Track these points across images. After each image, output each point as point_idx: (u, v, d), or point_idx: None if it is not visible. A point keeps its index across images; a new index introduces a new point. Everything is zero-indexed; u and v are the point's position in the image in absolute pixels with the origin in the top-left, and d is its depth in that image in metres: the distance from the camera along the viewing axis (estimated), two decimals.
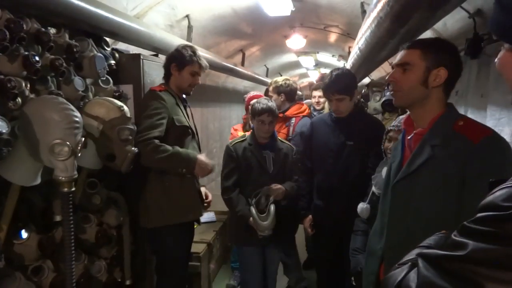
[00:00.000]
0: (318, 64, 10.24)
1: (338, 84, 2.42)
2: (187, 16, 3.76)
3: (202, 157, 2.30)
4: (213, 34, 4.67)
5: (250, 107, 2.75)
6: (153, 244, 2.41)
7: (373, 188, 2.09)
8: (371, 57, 2.71)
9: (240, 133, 3.66)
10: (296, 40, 6.19)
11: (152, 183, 2.30)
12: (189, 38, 3.87)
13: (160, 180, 2.29)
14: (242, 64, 6.57)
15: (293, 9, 4.03)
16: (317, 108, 3.95)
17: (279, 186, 2.49)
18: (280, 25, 5.31)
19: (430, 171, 1.28)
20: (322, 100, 3.91)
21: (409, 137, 1.42)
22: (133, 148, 1.92)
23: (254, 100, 2.65)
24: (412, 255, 0.78)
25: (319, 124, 2.68)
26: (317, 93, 3.93)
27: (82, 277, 1.85)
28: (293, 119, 3.24)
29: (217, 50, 5.25)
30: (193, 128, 2.46)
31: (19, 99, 1.66)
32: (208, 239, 3.56)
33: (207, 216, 3.99)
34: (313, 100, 4.00)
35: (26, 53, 1.67)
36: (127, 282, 2.24)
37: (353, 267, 2.06)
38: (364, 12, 3.44)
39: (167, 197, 2.28)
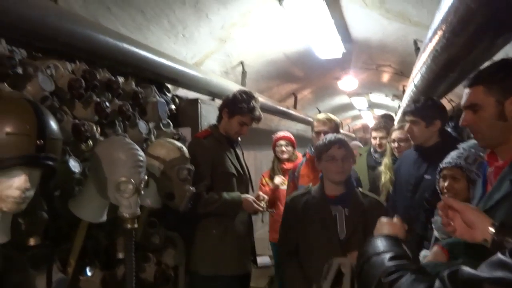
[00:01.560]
0: (371, 105, 10.11)
1: (416, 106, 2.33)
2: (241, 62, 3.93)
3: (247, 196, 2.37)
4: (265, 78, 4.83)
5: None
6: None
7: (435, 233, 1.93)
8: (429, 92, 2.63)
9: (268, 181, 3.71)
10: (348, 82, 6.20)
11: (210, 227, 2.33)
12: (243, 83, 4.03)
13: (217, 224, 2.33)
14: (295, 107, 6.65)
15: (344, 51, 4.08)
16: (379, 150, 3.46)
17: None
18: (331, 67, 5.37)
19: (508, 207, 1.17)
20: (384, 141, 3.46)
21: (489, 171, 1.33)
22: (191, 188, 1.97)
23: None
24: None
25: (406, 156, 2.56)
26: (378, 133, 3.55)
27: None
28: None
29: (269, 94, 5.38)
30: (242, 170, 2.47)
31: (90, 142, 1.80)
32: (262, 286, 3.47)
33: (262, 261, 3.92)
34: (374, 142, 3.58)
35: (98, 99, 1.83)
36: None
37: None
38: (417, 49, 3.40)
39: (225, 245, 2.30)
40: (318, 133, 2.78)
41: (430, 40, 1.96)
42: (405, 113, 2.41)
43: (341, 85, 6.33)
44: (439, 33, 1.77)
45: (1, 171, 1.07)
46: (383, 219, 1.19)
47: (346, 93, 7.94)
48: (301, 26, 3.29)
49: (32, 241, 1.38)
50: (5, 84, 1.40)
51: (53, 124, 1.17)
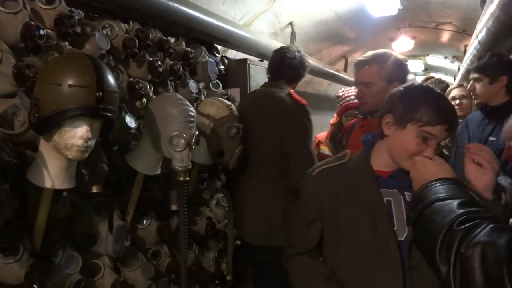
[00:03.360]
0: (428, 69, 9.53)
1: (479, 62, 2.19)
2: (290, 23, 3.84)
3: None
4: (315, 40, 4.69)
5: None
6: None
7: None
8: (496, 48, 2.43)
9: (325, 149, 3.09)
10: (403, 42, 5.86)
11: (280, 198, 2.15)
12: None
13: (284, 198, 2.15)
14: (345, 70, 6.45)
15: (401, 7, 3.84)
16: (460, 114, 2.69)
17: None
18: (385, 26, 5.10)
19: None
20: (464, 101, 2.86)
21: None
22: (239, 146, 2.01)
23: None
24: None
25: (471, 119, 2.39)
26: (458, 91, 2.89)
27: (193, 265, 1.97)
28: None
29: (319, 56, 5.24)
30: None
31: (144, 100, 1.88)
32: None
33: None
34: (453, 103, 2.82)
35: (151, 59, 1.88)
36: (228, 277, 2.33)
37: None
38: (484, 1, 3.11)
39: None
40: None
41: None
42: (468, 71, 2.25)
43: (395, 46, 6.00)
44: None
45: (65, 121, 1.15)
46: (425, 160, 1.06)
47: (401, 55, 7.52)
48: None
49: (95, 189, 1.49)
50: (66, 43, 1.47)
51: (111, 79, 1.23)
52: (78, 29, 1.52)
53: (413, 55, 7.73)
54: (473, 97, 2.35)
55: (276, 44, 3.25)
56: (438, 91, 1.20)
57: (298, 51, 2.30)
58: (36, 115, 1.15)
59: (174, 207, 1.89)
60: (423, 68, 9.26)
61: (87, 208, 1.49)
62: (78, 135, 1.17)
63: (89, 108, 1.15)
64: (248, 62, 2.72)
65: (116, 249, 1.53)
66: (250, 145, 2.14)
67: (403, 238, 1.16)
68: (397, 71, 1.74)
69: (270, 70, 2.32)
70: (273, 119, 2.12)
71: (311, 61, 4.16)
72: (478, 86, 2.18)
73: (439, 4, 4.10)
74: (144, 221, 1.80)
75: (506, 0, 1.74)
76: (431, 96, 1.15)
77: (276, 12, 3.50)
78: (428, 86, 1.21)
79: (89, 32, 1.57)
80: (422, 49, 6.99)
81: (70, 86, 1.13)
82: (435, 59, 8.20)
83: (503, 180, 1.79)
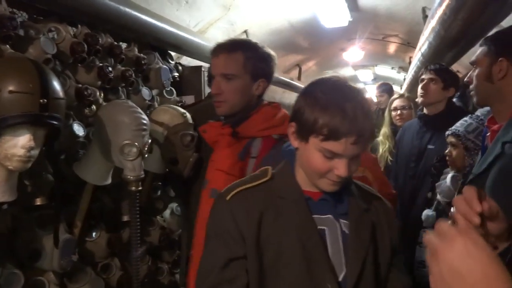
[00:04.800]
0: (376, 78, 9.98)
1: (438, 66, 2.29)
2: (245, 31, 3.87)
3: None
4: (270, 48, 4.75)
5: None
6: None
7: (438, 197, 1.96)
8: (437, 61, 2.60)
9: None
10: (354, 53, 6.11)
11: None
12: None
13: None
14: (299, 78, 6.59)
15: (351, 20, 4.00)
16: (399, 124, 2.96)
17: None
18: (337, 37, 5.28)
19: (498, 169, 1.18)
20: (405, 111, 2.99)
21: (487, 136, 1.35)
22: (194, 153, 1.98)
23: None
24: None
25: (409, 126, 2.52)
26: (399, 102, 3.02)
27: (146, 277, 1.91)
28: (257, 139, 1.49)
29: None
30: None
31: (93, 107, 1.81)
32: None
33: None
34: (394, 113, 3.04)
35: (101, 64, 1.82)
36: None
37: (419, 281, 1.93)
38: (425, 17, 3.32)
39: None
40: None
41: (440, 4, 1.92)
42: (425, 69, 2.34)
43: (346, 57, 6.24)
44: None
45: (6, 129, 1.08)
46: (449, 242, 0.54)
47: (351, 65, 7.83)
48: None
49: (38, 201, 1.41)
50: (7, 46, 1.39)
51: (57, 84, 1.17)
52: (21, 32, 1.43)
53: (363, 65, 8.07)
54: (420, 99, 2.40)
55: None
56: (350, 89, 0.94)
57: None
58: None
59: (125, 218, 1.82)
60: (372, 78, 9.69)
61: (30, 222, 1.40)
62: (19, 144, 1.10)
63: (32, 115, 1.08)
64: (202, 69, 2.71)
65: (63, 264, 1.45)
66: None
67: (340, 279, 0.95)
68: (266, 65, 1.42)
69: None
70: None
71: None
72: (433, 87, 2.29)
73: (386, 17, 4.31)
74: (94, 234, 1.72)
75: (445, 16, 1.86)
76: (334, 100, 0.89)
77: (230, 20, 3.52)
78: (338, 83, 0.95)
79: (33, 35, 1.49)
80: (371, 60, 7.31)
81: (10, 92, 1.06)
82: (383, 70, 8.61)
83: (444, 184, 1.90)
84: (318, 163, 0.92)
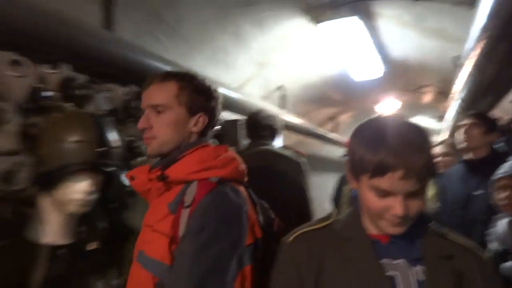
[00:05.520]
0: None
1: (479, 111, 2.27)
2: (280, 87, 4.04)
3: None
4: (305, 102, 4.90)
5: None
6: None
7: (492, 244, 1.84)
8: (476, 107, 2.57)
9: None
10: (388, 105, 6.14)
11: None
12: (282, 107, 4.11)
13: None
14: (335, 131, 6.65)
15: (385, 70, 4.09)
16: (441, 171, 2.92)
17: None
18: (369, 89, 5.37)
19: None
20: (447, 158, 3.01)
21: None
22: None
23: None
24: None
25: (452, 172, 2.42)
26: (441, 149, 3.07)
27: None
28: (192, 184, 1.10)
29: (308, 118, 5.44)
30: None
31: (139, 158, 1.92)
32: None
33: None
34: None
35: None
36: None
37: None
38: (456, 66, 3.35)
39: None
40: None
41: (473, 49, 1.96)
42: (465, 115, 2.31)
43: (378, 109, 6.28)
44: (482, 41, 1.77)
45: (67, 176, 1.18)
46: None
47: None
48: (337, 47, 3.37)
49: (92, 246, 1.47)
50: (70, 104, 1.55)
51: (112, 135, 1.28)
52: (82, 92, 1.60)
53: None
54: (462, 145, 2.34)
55: (269, 106, 3.41)
56: (401, 125, 0.89)
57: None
58: (40, 170, 1.17)
59: None
60: None
61: (83, 266, 1.46)
62: (80, 189, 1.19)
63: (91, 163, 1.18)
64: (238, 122, 2.83)
65: None
66: None
67: None
68: (206, 99, 1.17)
69: None
70: None
71: (301, 122, 4.31)
72: (475, 131, 2.24)
73: (418, 68, 4.38)
74: None
75: (478, 62, 1.89)
76: (380, 135, 0.85)
77: (265, 76, 3.70)
78: (389, 120, 0.91)
79: (91, 94, 1.66)
80: (409, 110, 7.30)
81: (72, 142, 1.18)
82: (421, 120, 8.52)
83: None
84: (371, 202, 0.87)
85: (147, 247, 1.03)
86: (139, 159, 1.92)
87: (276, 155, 2.25)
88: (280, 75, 3.83)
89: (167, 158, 1.12)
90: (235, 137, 2.78)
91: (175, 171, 1.08)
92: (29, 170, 1.29)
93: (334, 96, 5.30)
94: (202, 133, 1.18)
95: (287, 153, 2.26)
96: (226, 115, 3.10)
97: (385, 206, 0.85)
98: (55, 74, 1.51)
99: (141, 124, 1.14)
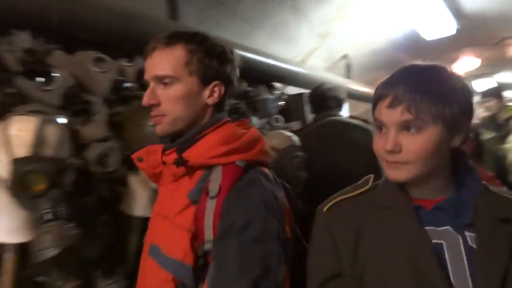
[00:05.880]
0: (501, 86, 8.98)
1: None
2: (344, 56, 3.95)
3: None
4: (371, 69, 4.73)
5: None
6: None
7: None
8: None
9: None
10: (467, 62, 5.68)
11: None
12: (348, 76, 4.03)
13: None
14: None
15: (458, 27, 3.79)
16: None
17: None
18: (443, 48, 5.00)
19: None
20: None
21: None
22: (305, 173, 2.09)
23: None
24: None
25: None
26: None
27: None
28: (216, 170, 0.93)
29: (376, 85, 5.25)
30: None
31: None
32: None
33: None
34: None
35: None
36: None
37: None
38: None
39: None
40: None
41: None
42: None
43: (456, 67, 5.82)
44: None
45: None
46: None
47: (465, 76, 7.23)
48: (403, 7, 3.19)
49: None
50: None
51: None
52: None
53: (481, 74, 7.38)
54: None
55: (333, 77, 3.38)
56: (422, 67, 0.81)
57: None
58: (126, 152, 1.35)
59: None
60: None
61: None
62: None
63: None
64: (303, 95, 2.86)
65: None
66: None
67: None
68: (221, 63, 0.96)
69: None
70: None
71: (369, 90, 4.19)
72: None
73: (498, 19, 3.98)
74: None
75: None
76: (392, 73, 0.82)
77: (329, 47, 3.65)
78: (420, 63, 0.83)
79: None
80: (490, 67, 6.67)
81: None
82: (506, 76, 7.74)
83: None
84: (375, 141, 0.81)
85: (164, 244, 0.89)
86: None
87: (345, 125, 2.26)
88: (343, 44, 3.74)
89: (183, 138, 0.94)
90: (301, 111, 2.82)
91: (196, 155, 0.90)
92: (118, 153, 1.47)
93: (404, 59, 5.00)
94: (219, 106, 0.99)
95: (355, 122, 2.25)
96: (291, 90, 3.14)
97: (382, 143, 0.78)
98: (131, 66, 1.67)
99: (146, 99, 0.92)
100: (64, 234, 1.00)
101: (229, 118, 1.01)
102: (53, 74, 1.37)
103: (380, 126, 0.80)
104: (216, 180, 0.87)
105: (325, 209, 0.91)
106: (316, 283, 0.86)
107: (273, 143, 2.13)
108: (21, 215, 1.01)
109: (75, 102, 1.39)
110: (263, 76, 2.58)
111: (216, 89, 0.96)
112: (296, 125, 2.79)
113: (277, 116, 2.60)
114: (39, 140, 1.00)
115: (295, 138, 2.17)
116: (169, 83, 0.91)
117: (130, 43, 1.68)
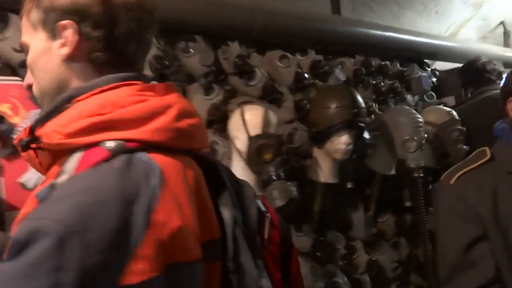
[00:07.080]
0: None
1: None
2: (501, 22, 3.67)
3: None
4: None
5: None
6: None
7: None
8: None
9: None
10: None
11: None
12: (506, 44, 3.74)
13: None
14: None
15: None
16: None
17: None
18: None
19: None
20: None
21: None
22: (464, 146, 2.16)
23: None
24: None
25: None
26: None
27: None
28: (74, 156, 0.57)
29: None
30: None
31: (373, 116, 2.28)
32: None
33: None
34: None
35: (375, 82, 2.29)
36: None
37: None
38: None
39: None
40: None
41: None
42: None
43: None
44: None
45: (333, 132, 1.65)
46: None
47: None
48: None
49: (349, 185, 1.94)
50: (317, 80, 2.03)
51: (360, 99, 1.69)
52: (325, 68, 2.06)
53: None
54: None
55: (488, 47, 3.21)
56: None
57: None
58: (314, 130, 1.68)
59: (408, 204, 2.17)
60: None
61: (343, 201, 1.96)
62: (342, 141, 1.64)
63: (349, 121, 1.61)
64: (456, 70, 2.83)
65: (367, 235, 1.94)
66: None
67: None
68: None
69: None
70: None
71: None
72: None
73: None
74: (383, 216, 2.16)
75: None
76: None
77: (483, 15, 3.45)
78: None
79: (329, 70, 2.10)
80: None
81: (334, 108, 1.63)
82: None
83: None
84: None
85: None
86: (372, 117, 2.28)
87: None
88: (499, 11, 3.48)
89: (47, 110, 0.63)
90: (457, 86, 2.81)
91: (50, 132, 0.58)
92: (301, 133, 1.82)
93: None
94: (99, 62, 0.64)
95: None
96: (440, 66, 3.12)
97: None
98: (306, 59, 2.00)
99: (26, 80, 0.71)
100: (287, 189, 1.38)
101: (135, 81, 0.64)
102: (254, 73, 1.78)
103: None
104: (68, 172, 0.55)
105: (452, 181, 0.98)
106: (458, 247, 0.92)
107: (431, 118, 2.25)
108: (253, 177, 1.43)
109: (271, 93, 1.78)
110: (414, 55, 2.66)
111: (68, 33, 0.63)
112: (450, 100, 2.80)
113: (430, 92, 2.67)
114: (266, 122, 1.39)
115: (454, 113, 2.25)
116: (27, 51, 0.69)
117: (304, 40, 2.01)
